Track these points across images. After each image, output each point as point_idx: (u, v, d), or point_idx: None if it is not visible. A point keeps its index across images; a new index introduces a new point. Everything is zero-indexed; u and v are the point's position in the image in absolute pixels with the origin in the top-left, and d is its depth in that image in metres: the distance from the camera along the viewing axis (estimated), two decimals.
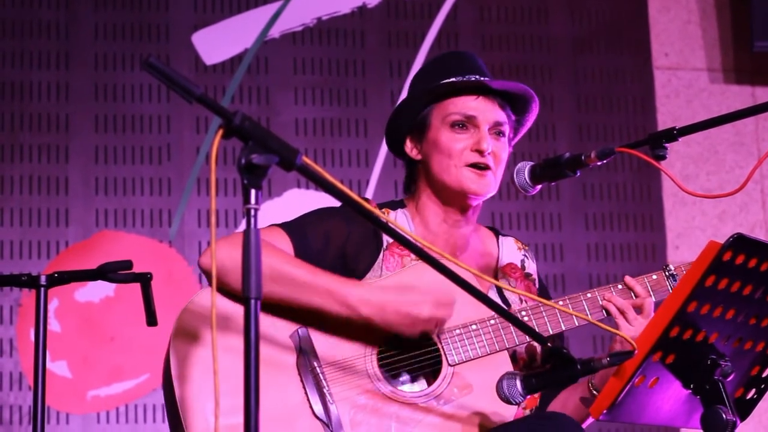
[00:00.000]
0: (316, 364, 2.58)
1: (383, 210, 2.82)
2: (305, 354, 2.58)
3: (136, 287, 3.15)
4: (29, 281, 3.13)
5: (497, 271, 2.93)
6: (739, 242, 2.30)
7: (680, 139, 2.74)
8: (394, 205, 2.89)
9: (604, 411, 2.35)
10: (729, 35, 5.52)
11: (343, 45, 5.13)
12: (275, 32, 5.09)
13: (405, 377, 2.67)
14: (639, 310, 2.74)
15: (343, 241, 2.73)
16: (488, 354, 2.65)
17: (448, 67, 2.86)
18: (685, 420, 2.49)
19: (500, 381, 2.37)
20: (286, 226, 2.75)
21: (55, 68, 4.88)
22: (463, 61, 2.88)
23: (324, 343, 2.61)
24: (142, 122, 4.90)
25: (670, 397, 2.43)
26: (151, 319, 3.13)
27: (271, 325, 2.58)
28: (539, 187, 2.89)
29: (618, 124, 5.29)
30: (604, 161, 2.79)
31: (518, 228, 5.05)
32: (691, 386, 2.42)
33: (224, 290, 2.57)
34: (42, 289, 3.11)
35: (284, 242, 2.69)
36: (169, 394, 2.54)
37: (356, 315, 2.56)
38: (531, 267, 2.98)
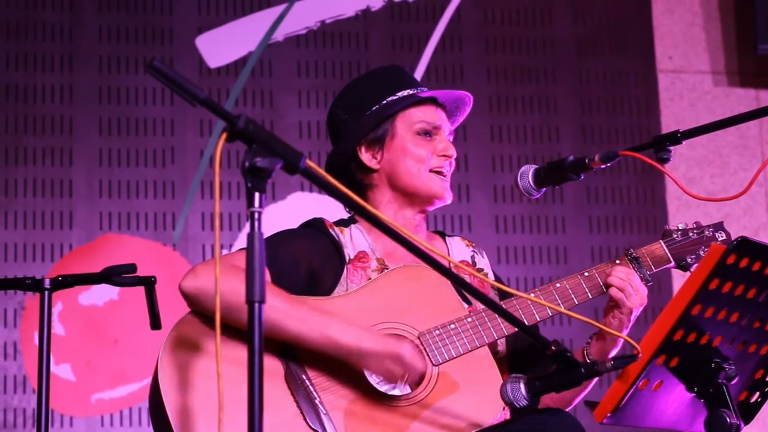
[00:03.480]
0: (304, 376, 2.60)
1: (338, 228, 2.85)
2: (293, 368, 2.60)
3: (140, 290, 3.15)
4: (33, 284, 3.13)
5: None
6: (743, 245, 2.30)
7: (684, 142, 2.74)
8: (346, 223, 2.91)
9: (608, 414, 2.35)
10: (733, 38, 5.52)
11: (346, 48, 5.13)
12: (279, 35, 5.09)
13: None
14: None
15: (310, 259, 2.76)
16: (470, 351, 2.68)
17: (398, 80, 2.94)
18: (689, 423, 2.49)
19: (504, 385, 2.38)
20: None
21: (59, 71, 4.89)
22: (406, 74, 2.98)
23: (310, 355, 2.62)
24: (146, 125, 4.90)
25: (673, 400, 2.43)
26: (155, 323, 3.13)
27: None
28: (543, 190, 2.88)
29: (622, 126, 5.29)
30: (608, 164, 2.78)
31: (522, 231, 5.05)
32: (695, 389, 2.42)
33: (205, 315, 2.59)
34: (46, 292, 3.11)
35: None
36: (159, 416, 2.55)
37: (335, 348, 2.58)
38: (482, 262, 3.00)
